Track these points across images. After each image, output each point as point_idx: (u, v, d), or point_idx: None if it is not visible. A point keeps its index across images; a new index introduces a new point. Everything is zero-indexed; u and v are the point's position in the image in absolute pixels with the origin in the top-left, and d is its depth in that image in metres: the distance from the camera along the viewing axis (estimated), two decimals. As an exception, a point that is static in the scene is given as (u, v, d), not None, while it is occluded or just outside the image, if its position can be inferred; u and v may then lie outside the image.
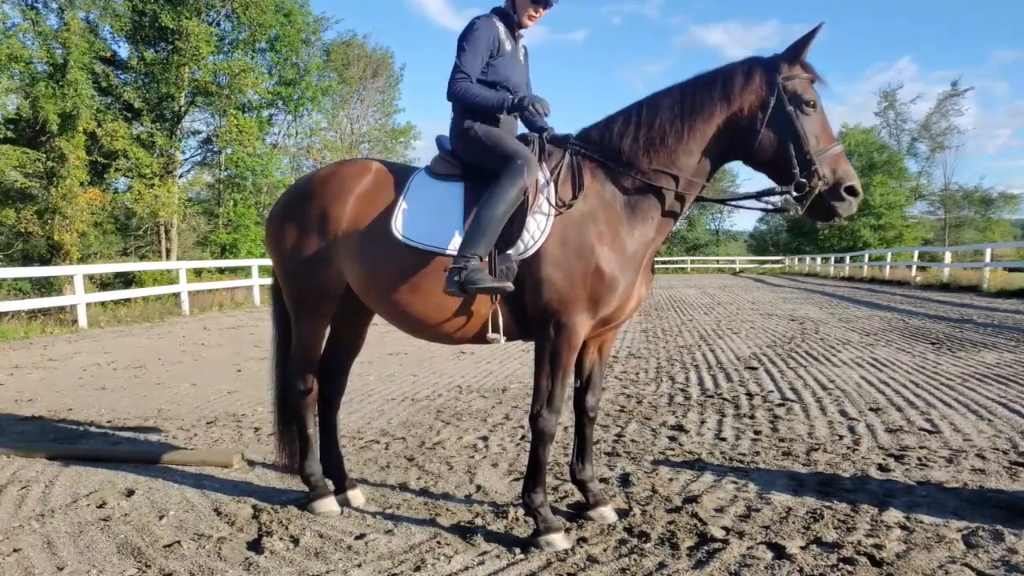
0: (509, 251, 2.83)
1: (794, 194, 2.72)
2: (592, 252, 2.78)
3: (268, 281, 20.43)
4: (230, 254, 27.74)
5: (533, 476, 2.91)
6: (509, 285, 2.75)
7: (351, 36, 40.16)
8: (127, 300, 15.56)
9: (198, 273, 21.95)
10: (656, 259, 3.28)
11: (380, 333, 11.41)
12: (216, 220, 30.36)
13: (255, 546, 2.86)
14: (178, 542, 2.90)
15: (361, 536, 2.94)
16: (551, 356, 2.83)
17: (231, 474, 3.85)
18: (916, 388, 5.85)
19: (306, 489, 3.32)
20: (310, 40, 32.78)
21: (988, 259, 20.53)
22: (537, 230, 2.82)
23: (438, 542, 2.86)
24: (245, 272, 20.56)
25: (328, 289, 3.16)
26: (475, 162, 3.01)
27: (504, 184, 2.78)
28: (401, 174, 3.16)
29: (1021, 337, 9.21)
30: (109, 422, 5.15)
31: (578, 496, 3.33)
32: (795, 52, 2.76)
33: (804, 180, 2.68)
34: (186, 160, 30.72)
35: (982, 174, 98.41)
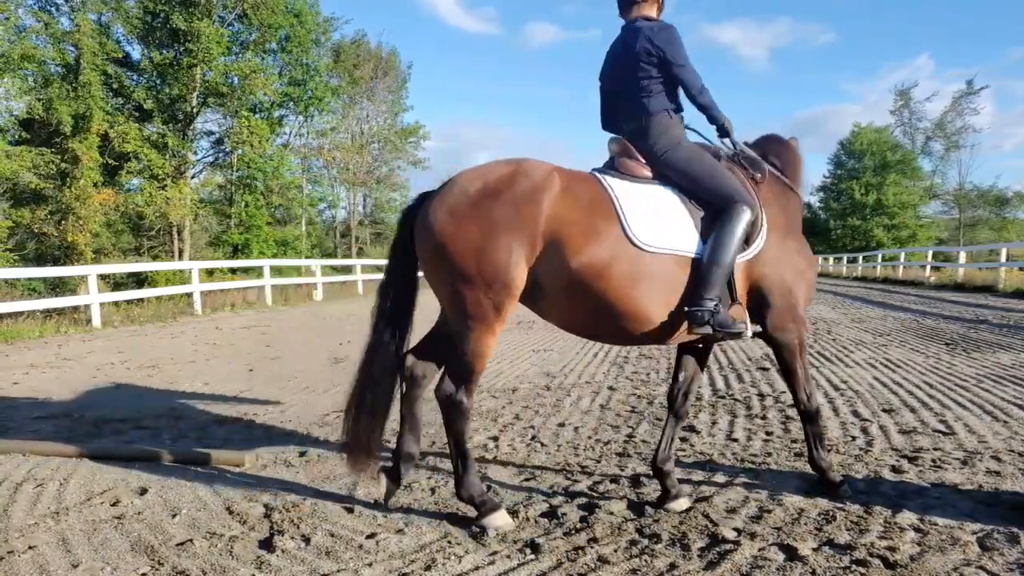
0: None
1: None
2: (810, 264, 3.47)
3: (281, 281, 20.60)
4: (242, 254, 27.89)
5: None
6: (749, 334, 3.18)
7: (361, 36, 40.25)
8: (140, 300, 15.68)
9: (210, 273, 22.11)
10: None
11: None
12: (228, 220, 30.54)
13: (267, 544, 2.88)
14: (191, 540, 2.92)
15: (372, 535, 2.95)
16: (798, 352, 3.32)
17: (243, 473, 3.86)
18: (930, 389, 5.80)
19: (473, 510, 3.07)
20: (320, 40, 32.92)
21: (1004, 259, 20.34)
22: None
23: (449, 541, 2.87)
24: (257, 272, 20.64)
25: (514, 291, 2.95)
26: (680, 180, 3.21)
27: (733, 230, 3.06)
28: (577, 173, 3.19)
29: (1036, 338, 9.11)
30: (122, 421, 5.19)
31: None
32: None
33: None
34: (198, 161, 30.93)
35: (998, 173, 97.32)
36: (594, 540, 2.86)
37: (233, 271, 23.72)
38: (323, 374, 7.27)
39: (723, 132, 3.37)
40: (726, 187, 3.16)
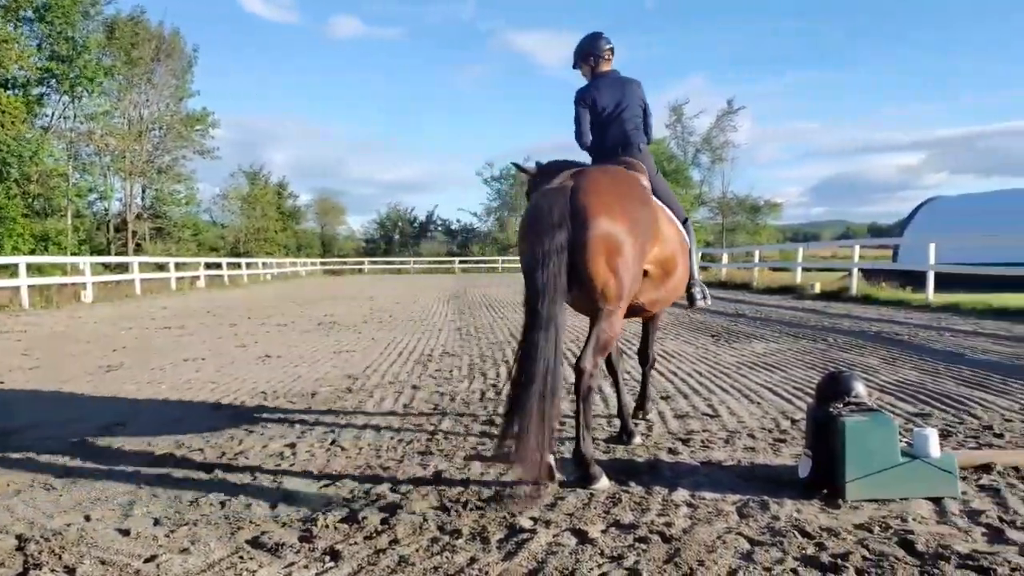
0: None
1: None
2: None
3: (40, 280, 18.10)
4: (-11, 250, 24.11)
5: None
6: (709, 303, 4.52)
7: (139, 13, 36.73)
8: None
9: (-55, 272, 18.88)
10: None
11: (175, 337, 10.54)
12: (-30, 211, 26.24)
13: (19, 582, 2.51)
14: (-83, 587, 2.47)
15: (152, 558, 2.68)
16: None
17: (-11, 503, 3.34)
18: (700, 377, 6.48)
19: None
20: (89, 13, 29.46)
21: (756, 259, 23.32)
22: None
23: (240, 557, 2.69)
24: (10, 271, 17.99)
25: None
26: (661, 197, 4.11)
27: (693, 237, 4.37)
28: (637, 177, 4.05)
29: (782, 329, 10.55)
30: None
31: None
32: None
33: None
34: (-71, 140, 26.24)
35: (751, 184, 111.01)
36: (395, 541, 2.83)
37: (-23, 270, 20.44)
38: (92, 384, 6.52)
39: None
40: (680, 208, 4.33)
